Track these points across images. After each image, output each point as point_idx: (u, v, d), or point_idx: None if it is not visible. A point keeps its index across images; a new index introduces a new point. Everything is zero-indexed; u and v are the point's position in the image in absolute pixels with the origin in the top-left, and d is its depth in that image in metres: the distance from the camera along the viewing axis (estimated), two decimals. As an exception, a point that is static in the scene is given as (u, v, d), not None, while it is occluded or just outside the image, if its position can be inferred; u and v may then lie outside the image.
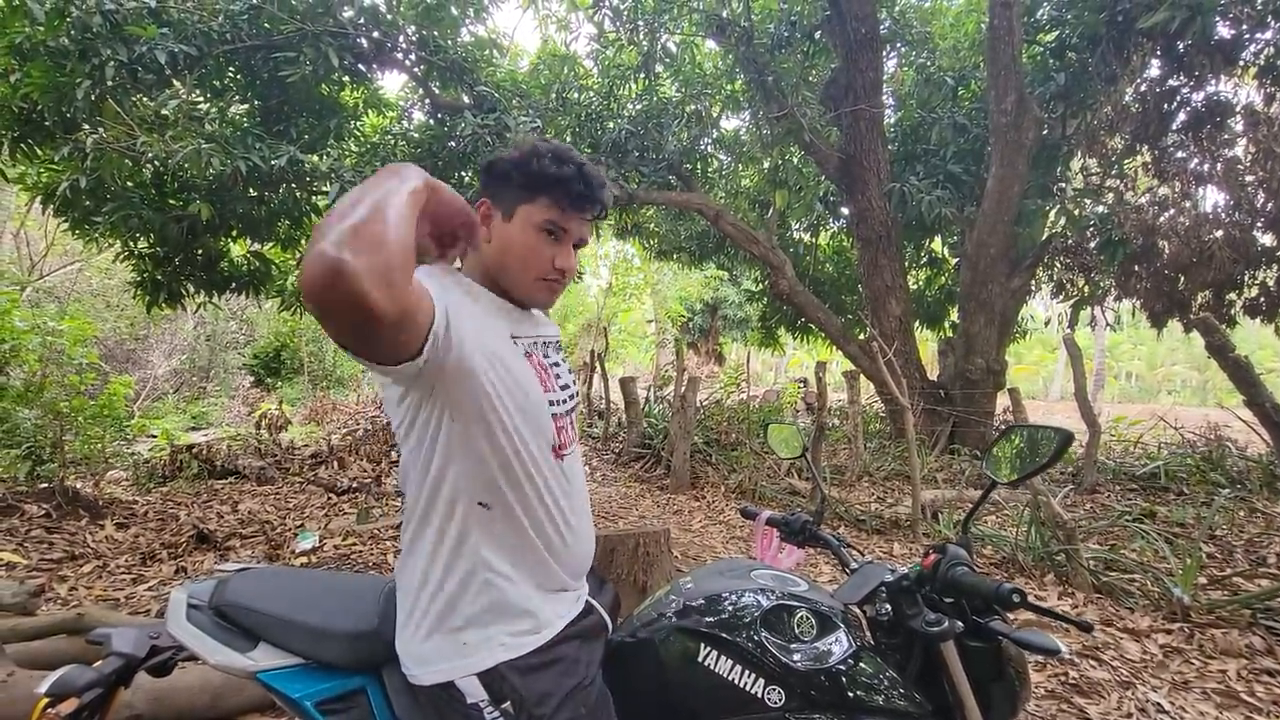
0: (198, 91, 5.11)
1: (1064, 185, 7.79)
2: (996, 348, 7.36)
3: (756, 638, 1.05)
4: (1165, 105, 6.65)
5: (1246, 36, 6.05)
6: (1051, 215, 7.74)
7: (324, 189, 5.47)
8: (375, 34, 5.23)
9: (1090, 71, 6.71)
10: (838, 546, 1.39)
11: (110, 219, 4.75)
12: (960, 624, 1.03)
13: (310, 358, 14.26)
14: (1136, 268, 7.05)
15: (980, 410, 7.24)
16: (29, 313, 5.09)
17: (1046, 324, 9.76)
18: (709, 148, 8.76)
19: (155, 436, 7.14)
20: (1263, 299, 6.96)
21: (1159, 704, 2.31)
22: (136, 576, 3.50)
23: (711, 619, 1.09)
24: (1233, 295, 7.04)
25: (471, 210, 0.93)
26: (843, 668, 1.05)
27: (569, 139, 6.64)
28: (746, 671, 1.03)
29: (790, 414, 10.55)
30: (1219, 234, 6.53)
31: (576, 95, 6.97)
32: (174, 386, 13.70)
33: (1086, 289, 7.88)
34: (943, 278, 10.28)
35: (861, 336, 7.99)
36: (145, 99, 4.62)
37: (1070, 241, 7.34)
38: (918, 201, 7.09)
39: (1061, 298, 8.05)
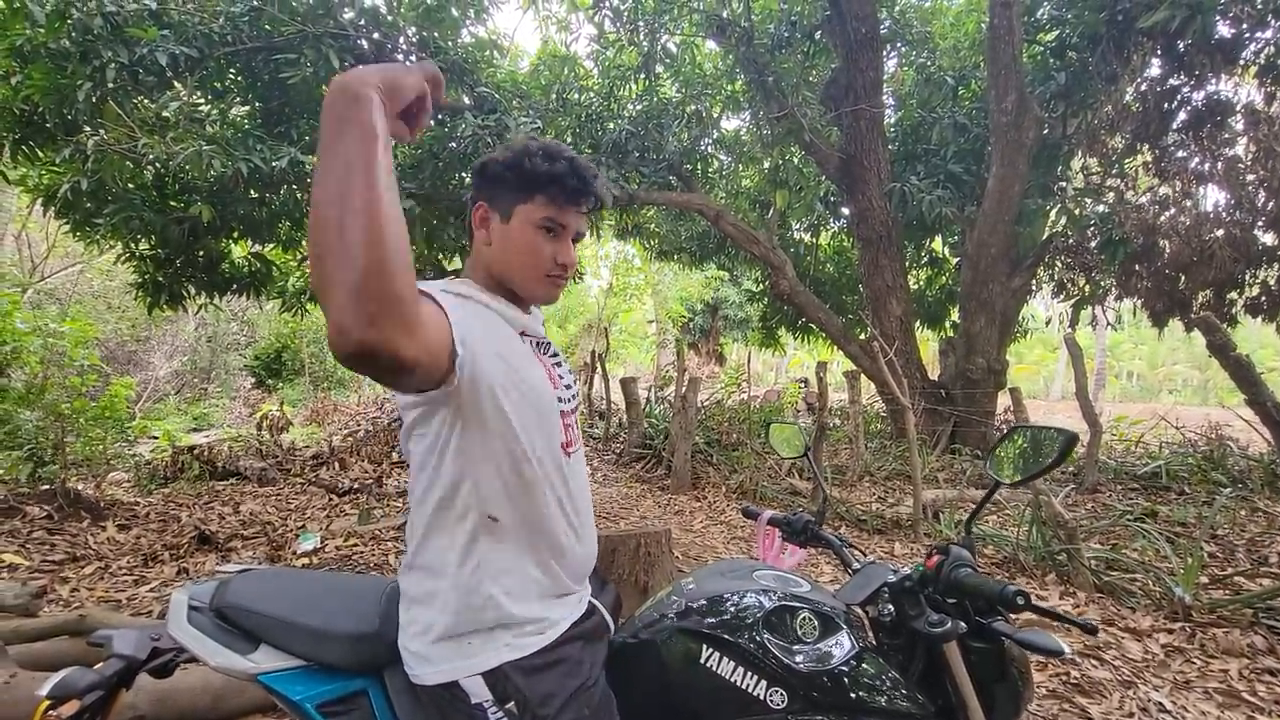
0: (199, 93, 5.12)
1: (1065, 185, 7.78)
2: (997, 347, 7.36)
3: (759, 639, 1.05)
4: (1166, 104, 6.65)
5: (1247, 35, 6.05)
6: (1052, 215, 7.74)
7: (325, 190, 5.46)
8: (376, 35, 5.22)
9: (1091, 71, 6.71)
10: (840, 547, 1.39)
11: (111, 221, 4.75)
12: (963, 625, 1.03)
13: (311, 359, 14.27)
14: (1137, 267, 7.05)
15: (981, 410, 7.23)
16: (30, 314, 5.10)
17: (1047, 323, 9.75)
18: (709, 148, 8.76)
19: (157, 438, 7.14)
20: (1264, 298, 6.96)
21: (1161, 703, 2.31)
22: (138, 578, 3.50)
23: (713, 620, 1.09)
24: (1234, 294, 7.03)
25: (421, 79, 0.84)
26: (845, 669, 1.05)
27: (569, 139, 6.64)
28: (749, 673, 1.03)
29: (791, 414, 10.55)
30: (1220, 233, 6.53)
31: (577, 96, 6.97)
32: (175, 388, 13.72)
33: (1087, 288, 7.88)
34: (943, 277, 10.28)
35: (862, 336, 7.99)
36: (146, 101, 4.62)
37: (1071, 241, 7.34)
38: (918, 201, 7.09)
39: (1062, 297, 8.05)
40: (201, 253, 5.58)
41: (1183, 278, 6.83)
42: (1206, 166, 6.69)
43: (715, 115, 8.12)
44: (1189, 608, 2.98)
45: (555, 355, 1.15)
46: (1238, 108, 6.52)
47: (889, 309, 7.73)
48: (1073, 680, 2.47)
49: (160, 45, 4.34)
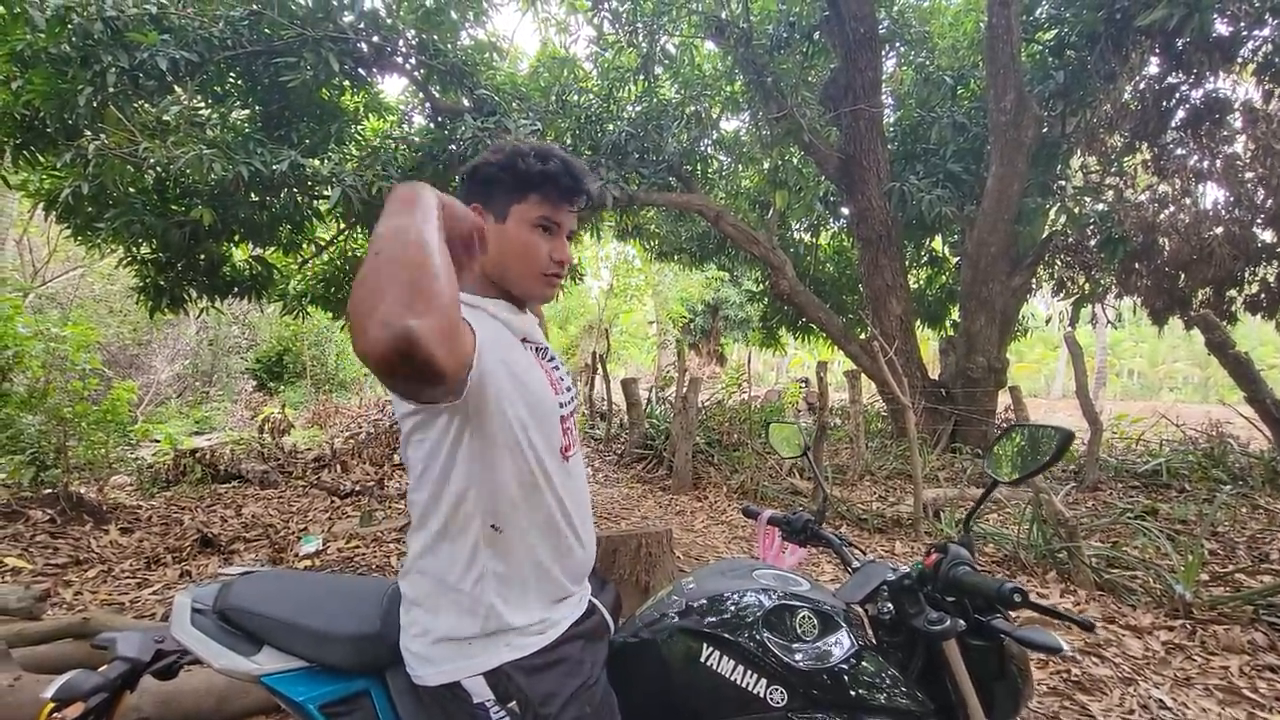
0: (199, 97, 5.13)
1: (1064, 183, 7.79)
2: (998, 346, 7.36)
3: (759, 637, 1.06)
4: (1164, 102, 6.66)
5: (1244, 33, 6.05)
6: (1052, 213, 7.74)
7: (325, 193, 5.47)
8: (375, 38, 5.23)
9: (1089, 69, 6.71)
10: (840, 545, 1.40)
11: (112, 225, 4.77)
12: (962, 623, 1.04)
13: (312, 361, 14.29)
14: (1137, 265, 7.05)
15: (982, 409, 7.24)
16: (32, 319, 5.11)
17: (1047, 322, 9.75)
18: (709, 149, 8.77)
19: (159, 441, 7.15)
20: (1263, 295, 6.96)
21: (1161, 700, 2.31)
22: (141, 581, 3.50)
23: (714, 619, 1.09)
24: (1233, 292, 7.04)
25: (474, 215, 0.92)
26: (845, 667, 1.05)
27: (569, 141, 6.65)
28: (749, 671, 1.04)
29: (792, 414, 10.55)
30: (1219, 230, 6.53)
31: (576, 97, 6.97)
32: (177, 391, 13.72)
33: (1087, 286, 7.88)
34: (943, 276, 10.28)
35: (862, 336, 8.00)
36: (147, 105, 4.64)
37: (1070, 239, 7.34)
38: (918, 201, 7.09)
39: (1062, 295, 8.05)
40: (202, 256, 5.59)
41: (1182, 275, 6.83)
42: (1205, 164, 6.70)
43: (714, 116, 8.12)
44: (1189, 605, 2.98)
45: (553, 359, 1.16)
46: (1236, 105, 6.52)
47: (889, 308, 7.74)
48: (1074, 678, 2.48)
49: (160, 50, 4.35)
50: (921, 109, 8.40)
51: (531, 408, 1.00)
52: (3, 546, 3.76)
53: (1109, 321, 8.72)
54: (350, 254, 6.83)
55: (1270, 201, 6.33)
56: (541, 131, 5.84)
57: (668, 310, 22.07)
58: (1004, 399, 7.18)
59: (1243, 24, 5.94)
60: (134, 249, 5.36)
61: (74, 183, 4.40)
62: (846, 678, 1.04)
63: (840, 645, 1.07)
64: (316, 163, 4.96)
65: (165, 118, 4.41)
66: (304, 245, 6.55)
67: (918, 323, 9.31)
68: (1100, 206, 7.14)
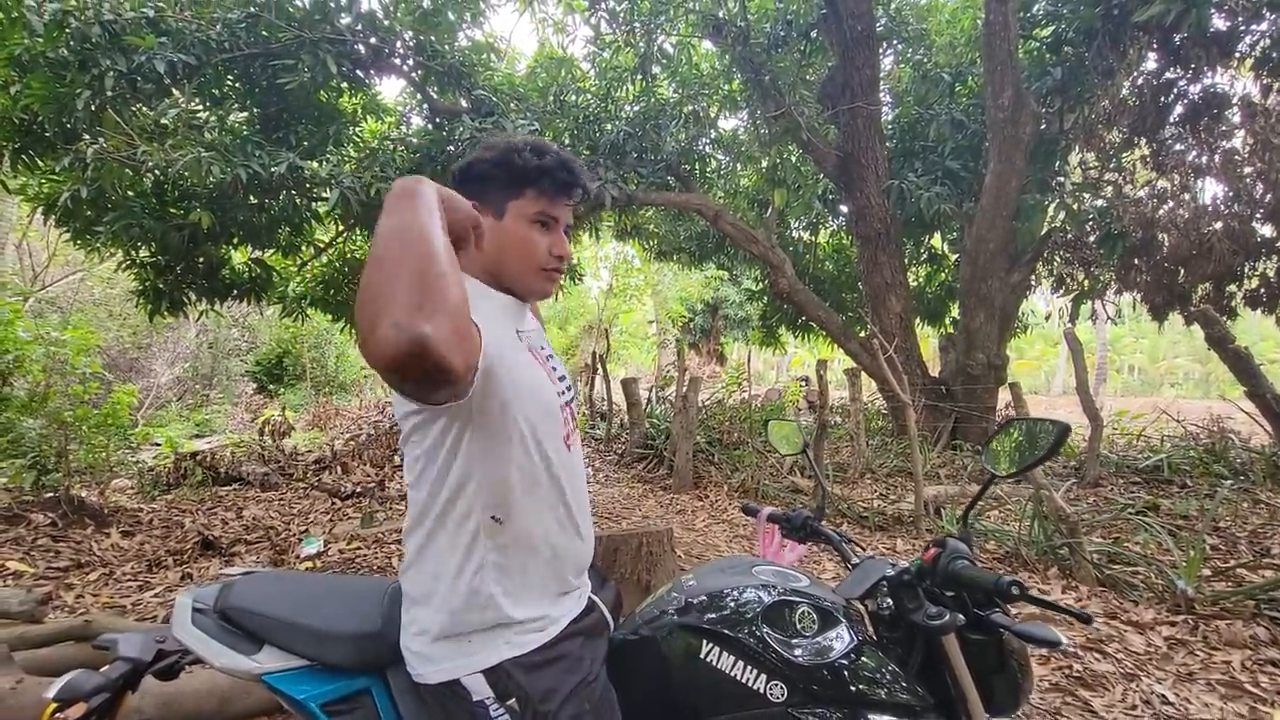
0: (197, 100, 5.13)
1: (1062, 180, 7.78)
2: (997, 343, 7.36)
3: (758, 633, 1.06)
4: (1162, 98, 6.65)
5: (1242, 28, 6.05)
6: (1050, 210, 7.74)
7: (324, 195, 5.48)
8: (373, 40, 5.24)
9: (1087, 65, 6.71)
10: (839, 542, 1.40)
11: (111, 228, 4.77)
12: (961, 617, 1.04)
13: (312, 363, 14.31)
14: (1136, 261, 7.05)
15: (982, 406, 7.23)
16: (32, 323, 5.11)
17: (1047, 318, 9.75)
18: (707, 148, 8.76)
19: (159, 444, 7.16)
20: (1263, 290, 6.96)
21: (1163, 695, 2.31)
22: (143, 583, 3.51)
23: (713, 615, 1.10)
24: (1233, 287, 7.03)
25: (471, 208, 0.92)
26: (845, 662, 1.05)
27: (567, 141, 6.65)
28: (748, 667, 1.04)
29: (792, 412, 10.55)
30: (1218, 226, 6.52)
31: (574, 97, 6.97)
32: (177, 394, 13.73)
33: (1086, 283, 7.87)
34: (943, 274, 10.28)
35: (862, 334, 7.99)
36: (145, 108, 4.64)
37: (1069, 236, 7.34)
38: (916, 198, 7.09)
39: (1062, 292, 8.05)
40: (202, 259, 5.60)
41: (1182, 271, 6.83)
42: (1204, 159, 6.69)
43: (712, 115, 8.12)
44: (1191, 600, 2.98)
45: (545, 348, 1.16)
46: (1234, 100, 6.52)
47: (888, 306, 7.74)
48: (1076, 673, 2.48)
49: (158, 53, 4.36)
50: (919, 106, 8.39)
51: (534, 399, 1.00)
52: (4, 550, 3.76)
53: (1109, 317, 8.72)
54: (349, 256, 6.84)
55: (1269, 196, 6.32)
56: (540, 132, 5.84)
57: (667, 310, 22.07)
58: (1004, 396, 7.18)
59: (1240, 19, 5.94)
60: (133, 252, 5.36)
61: (73, 187, 4.40)
62: (846, 673, 1.04)
63: (840, 640, 1.07)
64: (315, 165, 4.96)
65: (163, 121, 4.42)
66: (303, 247, 6.55)
67: (917, 320, 9.31)
68: (1099, 202, 7.14)
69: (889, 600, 1.14)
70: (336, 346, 14.74)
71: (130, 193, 4.90)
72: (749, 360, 10.25)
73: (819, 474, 1.62)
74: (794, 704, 1.03)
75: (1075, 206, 7.20)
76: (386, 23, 5.31)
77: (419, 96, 6.25)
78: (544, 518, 1.01)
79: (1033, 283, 8.20)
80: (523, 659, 0.96)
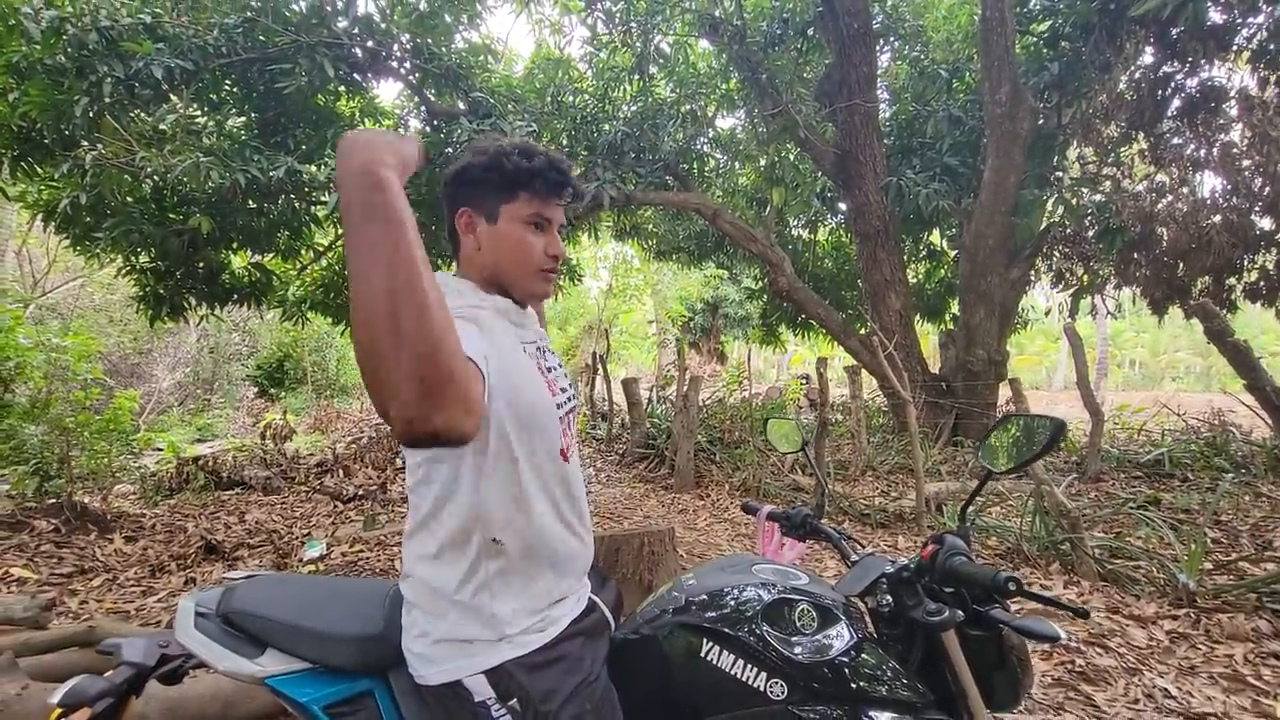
0: (195, 105, 5.13)
1: (1061, 174, 7.78)
2: (997, 339, 7.36)
3: (758, 632, 1.06)
4: (1160, 92, 6.65)
5: (1239, 21, 6.05)
6: (1049, 205, 7.73)
7: (323, 199, 5.49)
8: (370, 43, 5.24)
9: (1084, 60, 6.71)
10: (839, 539, 1.40)
11: (111, 234, 4.77)
12: (960, 613, 1.04)
13: (313, 367, 14.30)
14: (1135, 255, 7.04)
15: (982, 402, 7.23)
16: (33, 330, 5.11)
17: (1047, 314, 9.75)
18: (705, 147, 8.77)
19: (161, 449, 7.17)
20: (1262, 283, 6.95)
21: (1166, 689, 2.32)
22: (146, 588, 3.52)
23: (713, 614, 1.10)
24: (1232, 280, 7.02)
25: (411, 141, 0.83)
26: (845, 659, 1.06)
27: (565, 142, 6.65)
28: (749, 665, 1.05)
29: (793, 410, 10.56)
30: (1217, 219, 6.52)
31: (571, 98, 6.98)
32: (178, 399, 13.73)
33: (1086, 278, 7.87)
34: (942, 270, 10.28)
35: (862, 331, 8.00)
36: (143, 114, 4.64)
37: (1068, 230, 7.33)
38: (915, 195, 7.10)
39: (1061, 287, 8.04)
40: (201, 264, 5.60)
41: (1181, 265, 6.82)
42: (1202, 153, 6.69)
43: (710, 114, 8.12)
44: (1193, 594, 2.98)
45: (550, 360, 1.16)
46: (1231, 93, 6.51)
47: (888, 303, 7.74)
48: (1078, 668, 2.48)
49: (155, 59, 4.36)
50: (917, 103, 8.39)
51: (532, 417, 1.00)
52: (8, 556, 3.77)
53: (1109, 312, 8.71)
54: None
55: (1268, 189, 6.32)
56: (537, 133, 5.85)
57: (667, 309, 22.06)
58: (1005, 392, 7.17)
59: (1236, 11, 5.94)
60: (133, 258, 5.36)
61: (72, 193, 4.40)
62: (846, 670, 1.05)
63: (840, 638, 1.08)
64: (313, 168, 4.96)
65: (161, 126, 4.42)
66: (302, 251, 6.55)
67: (917, 317, 9.31)
68: (1098, 197, 7.13)
69: (888, 597, 1.14)
70: (337, 350, 14.74)
71: (129, 198, 4.90)
72: (749, 359, 10.25)
73: (819, 472, 1.62)
74: (794, 701, 1.03)
75: (1074, 201, 7.19)
76: (383, 26, 5.31)
77: (417, 99, 6.24)
78: (544, 532, 1.02)
79: (1032, 278, 8.20)
80: (524, 659, 0.96)
